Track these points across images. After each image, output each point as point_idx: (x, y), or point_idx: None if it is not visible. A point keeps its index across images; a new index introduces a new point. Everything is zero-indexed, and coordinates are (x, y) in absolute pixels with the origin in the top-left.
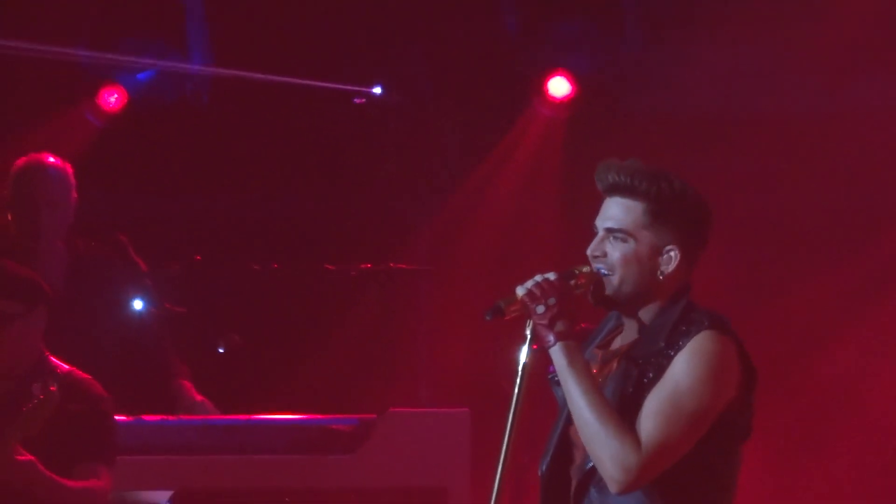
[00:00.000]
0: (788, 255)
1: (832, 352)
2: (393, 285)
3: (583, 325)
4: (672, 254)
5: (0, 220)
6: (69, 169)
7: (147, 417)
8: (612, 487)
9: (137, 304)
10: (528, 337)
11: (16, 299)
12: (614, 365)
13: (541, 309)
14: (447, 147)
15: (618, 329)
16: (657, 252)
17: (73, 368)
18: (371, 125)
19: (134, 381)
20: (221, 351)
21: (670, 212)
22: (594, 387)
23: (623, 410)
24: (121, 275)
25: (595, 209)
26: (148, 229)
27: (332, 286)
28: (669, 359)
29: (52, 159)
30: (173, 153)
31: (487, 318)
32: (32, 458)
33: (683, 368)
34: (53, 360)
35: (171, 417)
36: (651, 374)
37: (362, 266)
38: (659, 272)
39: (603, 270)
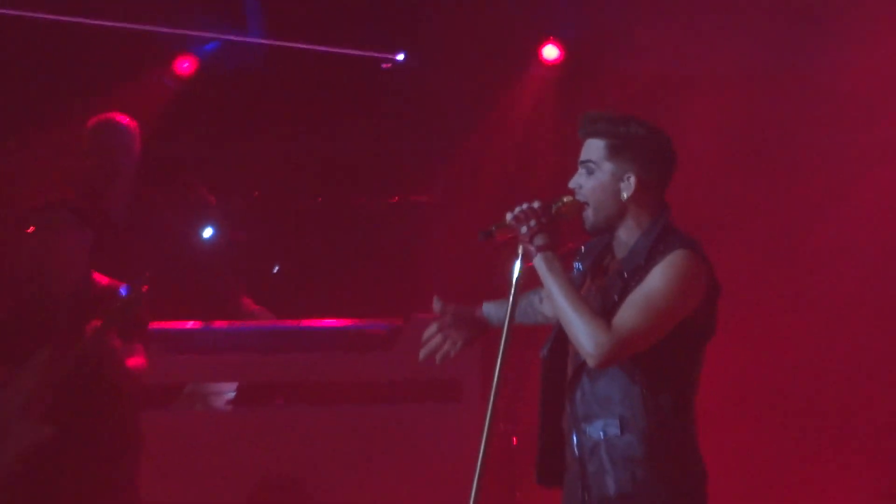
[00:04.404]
0: (749, 186)
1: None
2: (415, 214)
3: (570, 245)
4: (631, 180)
5: (80, 166)
6: (134, 124)
7: (216, 323)
8: (589, 361)
9: (207, 232)
10: (520, 255)
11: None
12: (606, 279)
13: (524, 229)
14: (460, 103)
15: (608, 249)
16: (618, 179)
17: (113, 280)
18: (397, 85)
19: (203, 294)
20: (276, 270)
21: (627, 146)
22: (569, 284)
23: (608, 312)
24: (187, 210)
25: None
26: (215, 172)
27: (367, 215)
28: (648, 272)
29: (120, 116)
30: (235, 110)
31: (480, 238)
32: (119, 345)
33: (656, 275)
34: (97, 275)
35: (235, 323)
36: (633, 285)
37: (390, 199)
38: (621, 196)
39: (582, 198)
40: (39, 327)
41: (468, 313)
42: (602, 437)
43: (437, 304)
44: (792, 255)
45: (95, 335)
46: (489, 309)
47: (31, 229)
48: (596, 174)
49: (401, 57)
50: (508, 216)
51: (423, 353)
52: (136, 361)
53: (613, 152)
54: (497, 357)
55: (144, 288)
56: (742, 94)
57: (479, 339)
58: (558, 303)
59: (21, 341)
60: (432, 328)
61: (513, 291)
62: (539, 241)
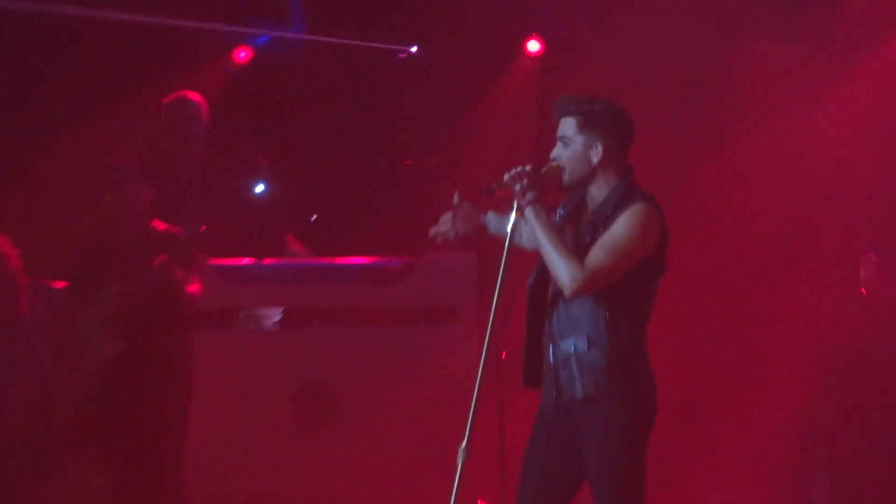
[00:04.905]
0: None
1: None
2: (425, 173)
3: (550, 200)
4: (598, 148)
5: (159, 135)
6: (203, 100)
7: (266, 260)
8: (566, 292)
9: (259, 188)
10: (515, 207)
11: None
12: (581, 225)
13: (517, 187)
14: (461, 86)
15: (583, 202)
16: (588, 148)
17: (169, 225)
18: (412, 72)
19: (255, 237)
20: (314, 218)
21: (594, 121)
22: (553, 230)
23: (581, 252)
24: (243, 170)
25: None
26: (266, 139)
27: (387, 174)
28: (614, 220)
29: (193, 94)
30: (282, 90)
31: (483, 194)
32: (181, 276)
33: (620, 223)
34: (156, 222)
35: (281, 260)
36: (602, 231)
37: (406, 161)
38: (591, 161)
39: (562, 165)
40: (113, 263)
41: (476, 215)
42: (573, 351)
43: (456, 198)
44: (706, 222)
45: (162, 268)
46: (490, 218)
47: (107, 186)
48: (570, 146)
49: (414, 49)
50: (506, 176)
51: (432, 231)
52: (193, 288)
53: (583, 127)
54: (494, 288)
55: (202, 229)
56: (681, 88)
57: (473, 238)
58: (543, 245)
59: (99, 274)
60: (447, 215)
61: (508, 236)
62: (529, 196)
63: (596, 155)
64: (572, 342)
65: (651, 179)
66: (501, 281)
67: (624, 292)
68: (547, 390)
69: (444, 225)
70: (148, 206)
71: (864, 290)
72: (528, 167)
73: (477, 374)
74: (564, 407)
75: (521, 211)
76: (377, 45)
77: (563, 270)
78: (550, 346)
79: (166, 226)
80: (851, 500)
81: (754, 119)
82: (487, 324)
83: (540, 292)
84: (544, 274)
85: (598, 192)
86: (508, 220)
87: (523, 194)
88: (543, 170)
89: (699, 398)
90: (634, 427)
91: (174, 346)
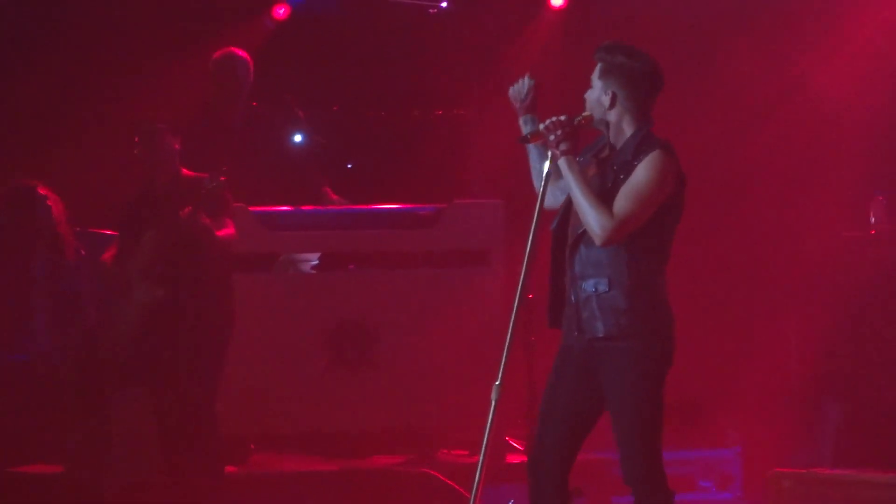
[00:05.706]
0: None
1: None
2: (455, 123)
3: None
4: (608, 94)
5: (209, 89)
6: (248, 56)
7: (304, 207)
8: (596, 241)
9: (297, 138)
10: (549, 156)
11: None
12: (603, 168)
13: (552, 137)
14: (488, 40)
15: (605, 146)
16: (602, 94)
17: (197, 173)
18: (441, 26)
19: (294, 185)
20: (350, 166)
21: (611, 70)
22: (585, 180)
23: (604, 196)
24: (283, 121)
25: (582, 82)
26: (303, 91)
27: (419, 124)
28: (634, 167)
29: (238, 49)
30: (319, 45)
31: (520, 142)
32: (209, 222)
33: (641, 171)
34: (185, 171)
35: (319, 207)
36: (622, 176)
37: (437, 112)
38: (603, 106)
39: (588, 110)
40: (148, 213)
41: (534, 106)
42: (594, 292)
43: (530, 79)
44: (717, 165)
45: (189, 216)
46: (531, 148)
47: (136, 139)
48: (593, 90)
49: (444, 4)
50: (541, 126)
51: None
52: (225, 232)
53: (602, 74)
54: (521, 234)
55: (222, 178)
56: (697, 38)
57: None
58: (575, 194)
59: (138, 224)
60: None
61: (543, 184)
62: (563, 146)
63: (606, 102)
64: (593, 283)
65: (665, 126)
66: (536, 226)
67: (643, 235)
68: (569, 329)
69: (518, 91)
70: (176, 156)
71: (873, 230)
72: (562, 117)
73: (510, 314)
74: (586, 344)
75: (555, 160)
76: (409, 0)
77: (593, 219)
78: (572, 287)
79: (194, 174)
80: (862, 429)
81: (765, 65)
82: (513, 266)
83: (562, 236)
84: (565, 218)
85: (615, 137)
86: (543, 168)
87: (557, 144)
88: (576, 120)
89: (714, 335)
90: (653, 364)
91: (211, 288)
